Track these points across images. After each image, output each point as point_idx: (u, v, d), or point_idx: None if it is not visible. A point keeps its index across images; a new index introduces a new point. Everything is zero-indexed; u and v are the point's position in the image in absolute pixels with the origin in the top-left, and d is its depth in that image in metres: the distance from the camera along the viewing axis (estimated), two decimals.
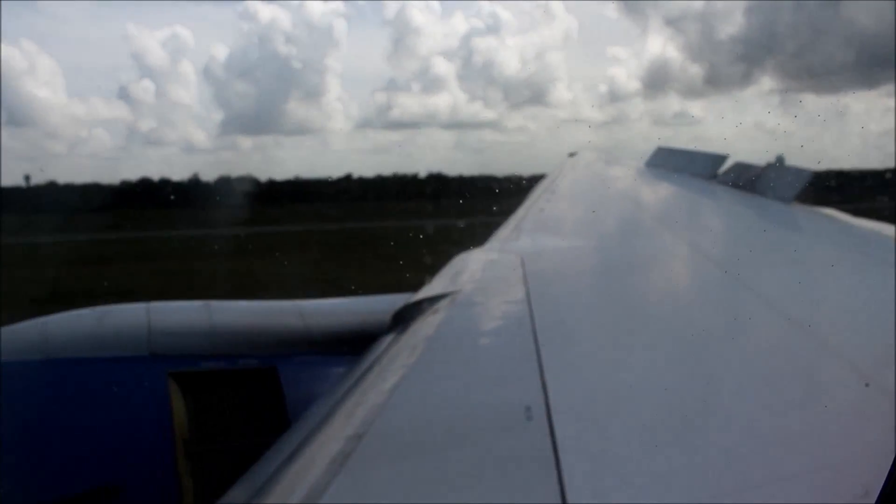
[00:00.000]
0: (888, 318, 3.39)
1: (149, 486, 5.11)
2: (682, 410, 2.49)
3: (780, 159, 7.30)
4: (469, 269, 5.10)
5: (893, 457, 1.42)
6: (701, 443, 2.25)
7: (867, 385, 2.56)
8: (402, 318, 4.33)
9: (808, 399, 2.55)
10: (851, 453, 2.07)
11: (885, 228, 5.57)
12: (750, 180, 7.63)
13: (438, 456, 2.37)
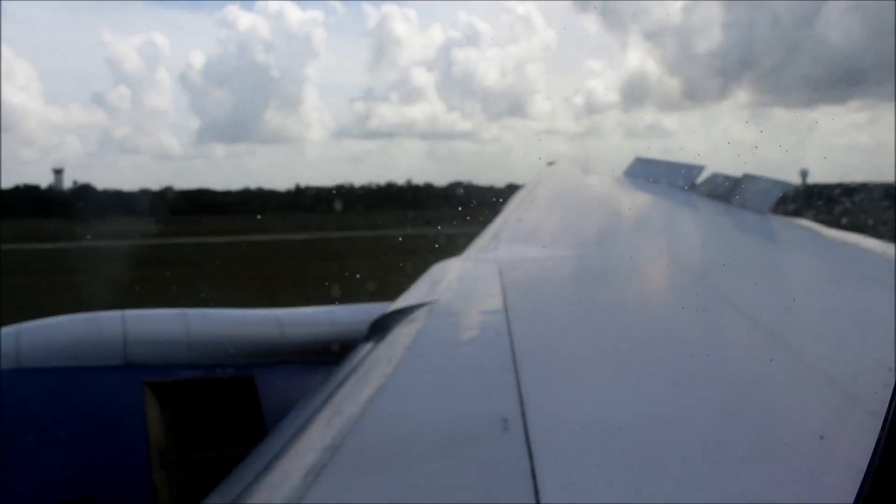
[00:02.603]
0: (860, 325, 3.44)
1: (124, 497, 5.04)
2: (656, 421, 2.51)
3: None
4: (447, 278, 5.10)
5: (866, 469, 1.44)
6: (674, 453, 2.27)
7: (835, 388, 2.60)
8: (380, 328, 4.32)
9: (777, 405, 2.58)
10: (820, 461, 2.10)
11: (860, 240, 5.66)
12: (727, 191, 7.70)
13: (415, 467, 2.37)
